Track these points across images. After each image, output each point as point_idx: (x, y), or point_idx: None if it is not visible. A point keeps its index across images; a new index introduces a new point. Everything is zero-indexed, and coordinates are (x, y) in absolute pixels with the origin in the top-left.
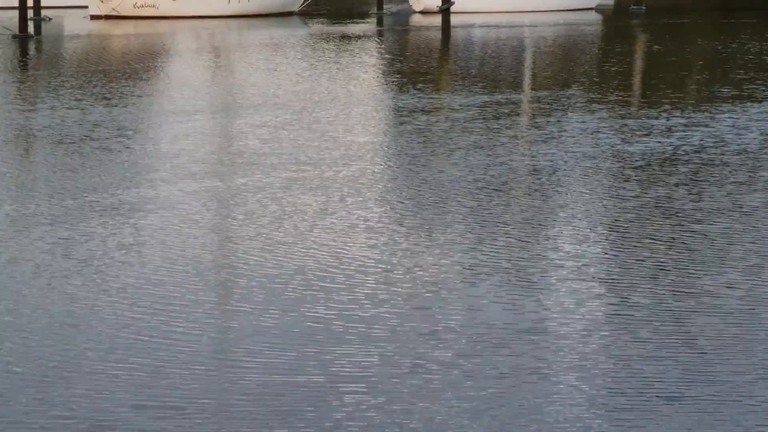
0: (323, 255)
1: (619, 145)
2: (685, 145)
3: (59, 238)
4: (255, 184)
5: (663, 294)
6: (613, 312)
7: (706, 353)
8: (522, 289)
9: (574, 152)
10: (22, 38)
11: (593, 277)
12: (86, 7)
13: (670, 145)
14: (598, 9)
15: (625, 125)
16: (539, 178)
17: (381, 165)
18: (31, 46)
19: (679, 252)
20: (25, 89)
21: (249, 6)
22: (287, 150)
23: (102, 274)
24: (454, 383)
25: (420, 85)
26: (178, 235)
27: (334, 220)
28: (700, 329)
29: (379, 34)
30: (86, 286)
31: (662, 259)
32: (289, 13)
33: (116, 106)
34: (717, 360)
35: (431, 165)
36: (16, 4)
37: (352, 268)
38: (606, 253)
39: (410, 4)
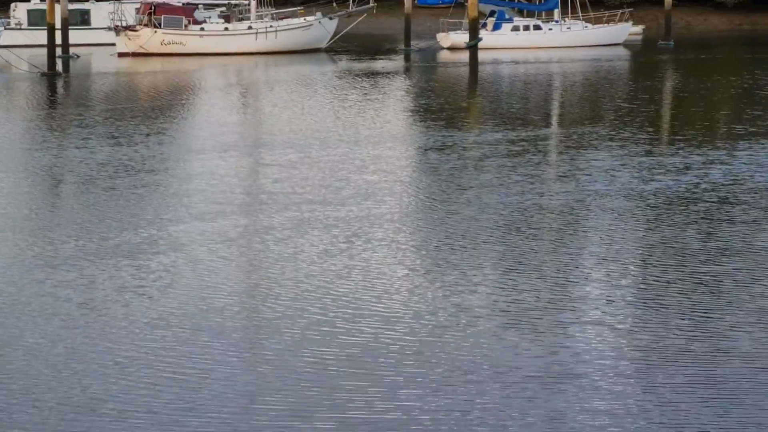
0: (335, 297)
1: (636, 183)
2: (701, 183)
3: (77, 278)
4: (272, 222)
5: (680, 336)
6: (634, 355)
7: (733, 396)
8: (536, 332)
9: (589, 190)
10: (50, 76)
11: (611, 319)
12: (114, 44)
13: (688, 183)
14: (626, 44)
15: (643, 163)
16: (556, 217)
17: (399, 204)
18: (59, 84)
19: (698, 292)
20: (52, 127)
21: (277, 42)
22: (308, 189)
23: (110, 315)
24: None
25: (446, 123)
26: (189, 276)
27: (347, 260)
28: (722, 370)
29: (407, 70)
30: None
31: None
32: (317, 50)
33: (142, 144)
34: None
35: (449, 203)
36: (45, 41)
37: (367, 310)
38: (624, 295)
39: (438, 40)
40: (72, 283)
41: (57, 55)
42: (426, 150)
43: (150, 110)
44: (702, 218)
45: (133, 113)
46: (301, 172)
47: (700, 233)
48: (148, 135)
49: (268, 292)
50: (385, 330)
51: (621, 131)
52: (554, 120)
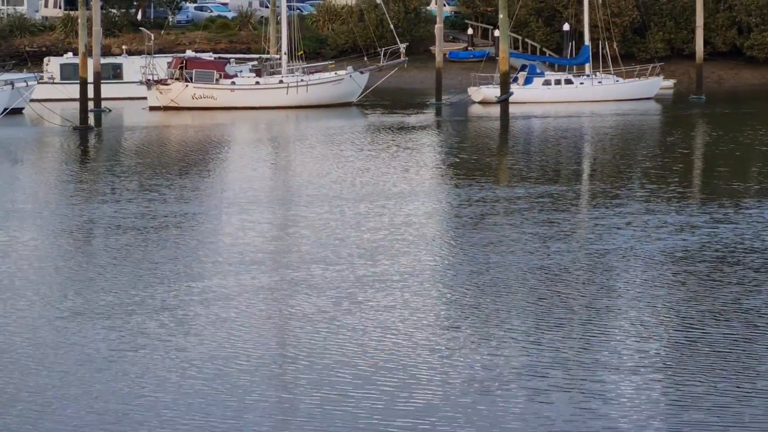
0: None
1: (666, 240)
2: (731, 240)
3: (107, 330)
4: (300, 277)
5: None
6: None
7: None
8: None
9: (617, 247)
10: (82, 129)
11: (651, 376)
12: (145, 98)
13: (718, 240)
14: (657, 98)
15: (673, 220)
16: (584, 273)
17: (427, 259)
18: (91, 138)
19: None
20: (84, 181)
21: (308, 96)
22: (337, 244)
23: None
24: None
25: (475, 178)
26: (216, 330)
27: (382, 313)
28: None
29: (437, 124)
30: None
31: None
32: (348, 104)
33: (172, 198)
34: None
35: (476, 258)
36: (77, 95)
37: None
38: (657, 355)
39: (469, 94)
40: (101, 335)
41: (89, 108)
42: (454, 205)
43: (181, 164)
44: (731, 276)
45: (164, 167)
46: (330, 227)
47: (726, 291)
48: (178, 189)
49: (297, 348)
50: (418, 386)
51: (651, 187)
52: (584, 176)
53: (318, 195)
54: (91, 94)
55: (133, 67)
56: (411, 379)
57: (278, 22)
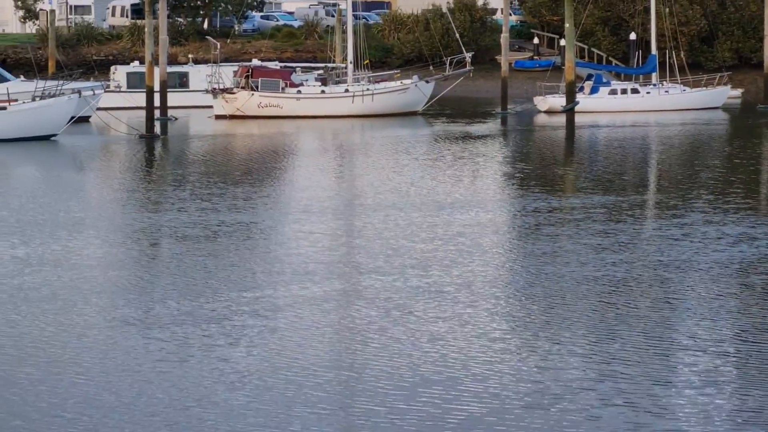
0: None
1: (732, 251)
2: None
3: (171, 339)
4: (364, 286)
5: None
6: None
7: None
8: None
9: (684, 258)
10: (148, 138)
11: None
12: (211, 107)
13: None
14: (724, 108)
15: (739, 231)
16: (650, 284)
17: (492, 268)
18: (158, 146)
19: None
20: (150, 190)
21: (373, 105)
22: (403, 253)
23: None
24: None
25: (541, 187)
26: (283, 340)
27: (448, 323)
28: None
29: (503, 134)
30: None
31: None
32: (413, 113)
33: (238, 207)
34: None
35: (540, 268)
36: (144, 104)
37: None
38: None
39: (535, 103)
40: (152, 344)
41: (155, 117)
42: (513, 216)
43: (246, 173)
44: None
45: (229, 176)
46: (395, 236)
47: None
48: (244, 198)
49: (347, 359)
50: (467, 398)
51: (713, 198)
52: (647, 186)
53: (378, 204)
54: (157, 102)
55: (199, 75)
56: (460, 391)
57: (344, 31)
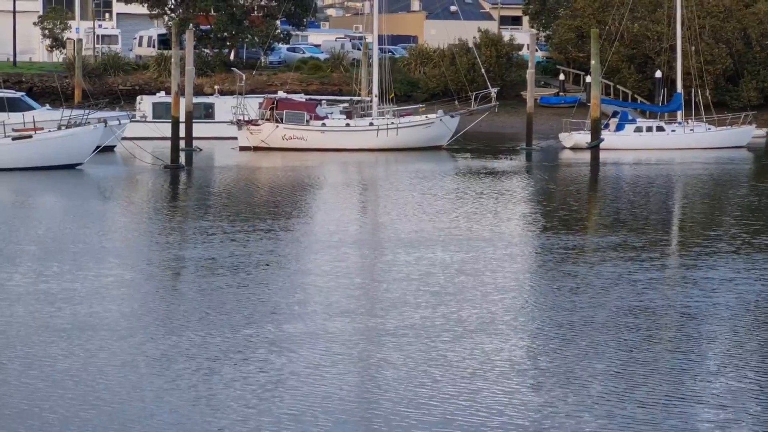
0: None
1: (754, 293)
2: None
3: (192, 372)
4: (385, 324)
5: None
6: None
7: None
8: None
9: (706, 299)
10: (173, 168)
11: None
12: (236, 138)
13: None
14: (749, 147)
15: (762, 272)
16: (668, 323)
17: (513, 304)
18: (182, 177)
19: None
20: (174, 221)
21: (397, 139)
22: (423, 289)
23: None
24: None
25: (563, 225)
26: (301, 375)
27: (463, 364)
28: None
29: (528, 170)
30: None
31: None
32: (438, 147)
33: (262, 240)
34: None
35: (560, 304)
36: (169, 134)
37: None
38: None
39: (560, 140)
40: (185, 377)
41: (180, 148)
42: (535, 253)
43: (270, 206)
44: None
45: (253, 208)
46: (417, 273)
47: None
48: (267, 231)
49: (382, 396)
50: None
51: (737, 239)
52: (673, 225)
53: (405, 240)
54: (182, 133)
55: (224, 107)
56: (487, 426)
57: (370, 65)
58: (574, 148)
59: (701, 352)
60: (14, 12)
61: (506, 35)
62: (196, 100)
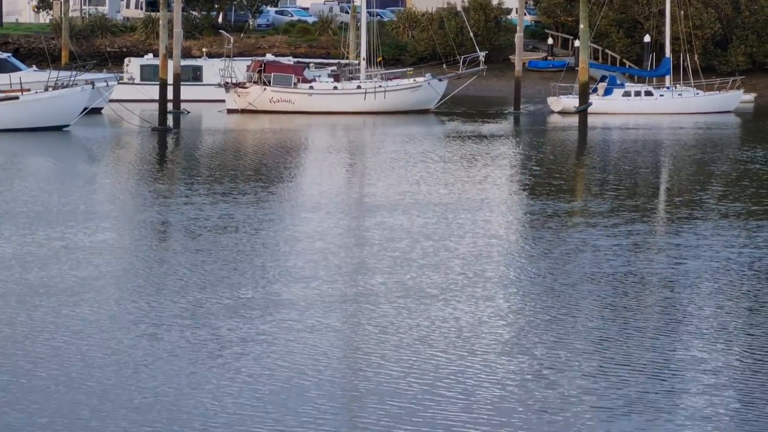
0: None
1: (740, 258)
2: None
3: (178, 337)
4: (372, 286)
5: None
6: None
7: None
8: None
9: (690, 263)
10: (160, 131)
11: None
12: (224, 101)
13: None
14: (737, 112)
15: (747, 236)
16: (655, 289)
17: (499, 269)
18: (170, 140)
19: None
20: (161, 183)
21: (385, 103)
22: (409, 252)
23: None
24: None
25: (550, 189)
26: (288, 339)
27: (449, 326)
28: None
29: (515, 134)
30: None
31: None
32: (425, 111)
33: (248, 203)
34: None
35: (546, 269)
36: (157, 97)
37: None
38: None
39: (548, 104)
40: (173, 341)
41: (168, 110)
42: (528, 217)
43: (257, 168)
44: None
45: (240, 171)
46: (403, 236)
47: None
48: (257, 193)
49: (368, 358)
50: (526, 391)
51: (724, 203)
52: (660, 190)
53: (392, 203)
54: (170, 95)
55: (212, 69)
56: (473, 395)
57: (358, 28)
58: (562, 113)
59: (687, 315)
60: None
61: None
62: (183, 62)
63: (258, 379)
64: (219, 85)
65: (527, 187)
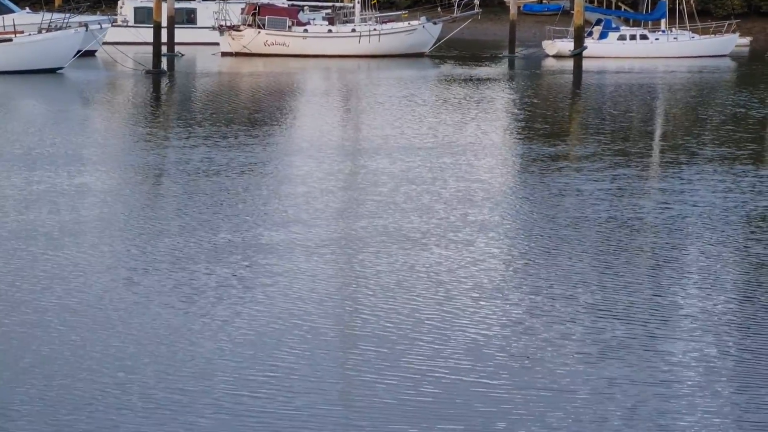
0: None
1: (733, 201)
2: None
3: (170, 280)
4: (373, 229)
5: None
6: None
7: None
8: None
9: (683, 206)
10: (154, 74)
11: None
12: (218, 44)
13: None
14: (732, 55)
15: (741, 180)
16: (649, 232)
17: (492, 212)
18: (163, 82)
19: None
20: (154, 126)
21: (380, 46)
22: (403, 196)
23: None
24: None
25: (544, 133)
26: (282, 281)
27: (442, 270)
28: None
29: (510, 77)
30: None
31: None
32: (420, 54)
33: (241, 145)
34: None
35: (540, 214)
36: (150, 39)
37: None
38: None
39: (543, 47)
40: (165, 284)
41: (162, 53)
42: (522, 160)
43: (251, 112)
44: None
45: (234, 114)
46: (386, 180)
47: None
48: (247, 136)
49: (360, 302)
50: (501, 337)
51: (715, 147)
52: (648, 134)
53: (386, 147)
54: (164, 38)
55: (206, 12)
56: (452, 339)
57: None
58: (557, 56)
59: (670, 260)
60: None
61: None
62: (177, 5)
63: (234, 324)
64: (213, 28)
65: (515, 130)
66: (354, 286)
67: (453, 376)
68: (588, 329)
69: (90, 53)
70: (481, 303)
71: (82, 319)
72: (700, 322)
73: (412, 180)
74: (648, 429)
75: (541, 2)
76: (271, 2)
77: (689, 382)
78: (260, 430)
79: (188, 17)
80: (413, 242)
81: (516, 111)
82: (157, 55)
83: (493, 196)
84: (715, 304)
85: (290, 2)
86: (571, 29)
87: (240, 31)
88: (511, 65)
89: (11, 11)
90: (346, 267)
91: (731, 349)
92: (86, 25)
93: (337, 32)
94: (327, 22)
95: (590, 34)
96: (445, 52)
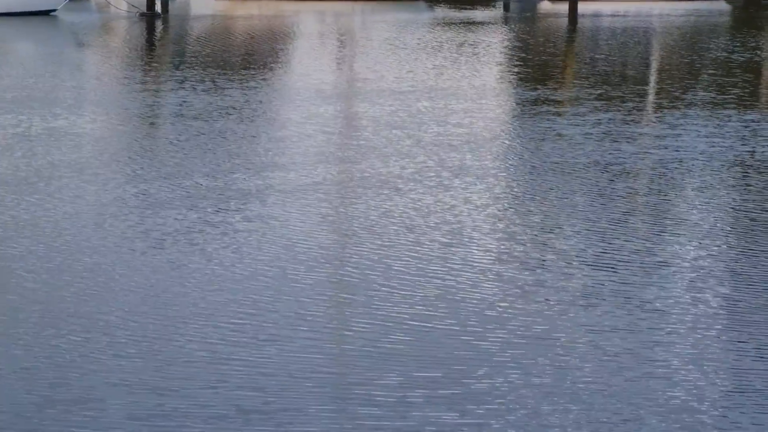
0: (437, 253)
1: (728, 148)
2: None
3: (165, 224)
4: (371, 174)
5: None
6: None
7: None
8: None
9: (677, 151)
10: (149, 16)
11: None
12: None
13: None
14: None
15: (736, 127)
16: (643, 177)
17: (486, 156)
18: (158, 25)
19: None
20: (149, 69)
21: None
22: (398, 140)
23: (210, 259)
24: None
25: (539, 77)
26: (277, 226)
27: (438, 214)
28: None
29: (505, 20)
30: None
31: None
32: None
33: (236, 89)
34: None
35: (534, 158)
36: None
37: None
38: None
39: None
40: (160, 228)
41: None
42: (507, 104)
43: (246, 55)
44: None
45: (229, 58)
46: (368, 124)
47: None
48: (243, 81)
49: (355, 248)
50: (473, 284)
51: (701, 92)
52: (636, 78)
53: (381, 90)
54: None
55: None
56: (423, 286)
57: None
58: (553, 0)
59: (649, 206)
60: None
61: None
62: None
63: (205, 271)
64: None
65: (501, 75)
66: (326, 232)
67: (427, 323)
68: (563, 276)
69: None
70: (453, 249)
71: (49, 266)
72: (677, 268)
73: (393, 124)
74: (632, 375)
75: None
76: None
77: (668, 329)
78: (230, 377)
79: None
80: (392, 188)
81: (505, 55)
82: None
83: (473, 140)
84: (693, 251)
85: None
86: None
87: None
88: (507, 8)
89: None
90: (321, 212)
91: (709, 295)
92: None
93: None
94: None
95: None
96: None
